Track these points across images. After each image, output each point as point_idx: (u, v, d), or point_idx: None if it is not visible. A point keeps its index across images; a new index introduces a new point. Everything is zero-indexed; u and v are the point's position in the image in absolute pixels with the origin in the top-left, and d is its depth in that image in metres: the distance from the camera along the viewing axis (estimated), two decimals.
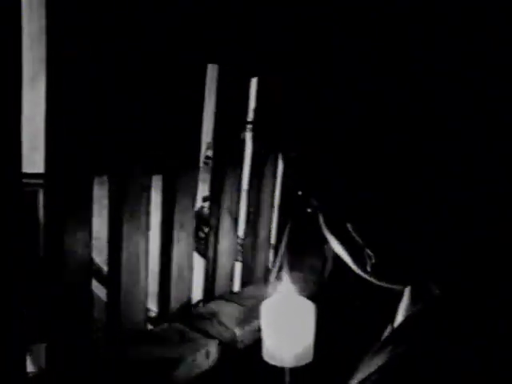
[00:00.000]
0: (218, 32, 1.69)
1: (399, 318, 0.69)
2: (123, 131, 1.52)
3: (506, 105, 0.51)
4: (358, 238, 0.60)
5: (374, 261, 0.60)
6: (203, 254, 2.01)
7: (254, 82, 1.96)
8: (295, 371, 1.47)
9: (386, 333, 0.73)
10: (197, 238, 1.98)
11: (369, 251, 0.60)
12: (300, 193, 0.65)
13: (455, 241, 0.56)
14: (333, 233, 0.63)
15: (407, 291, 0.68)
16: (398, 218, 0.56)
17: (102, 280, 1.71)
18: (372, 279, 0.63)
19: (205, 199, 2.09)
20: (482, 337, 0.52)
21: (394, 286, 0.64)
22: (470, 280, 0.57)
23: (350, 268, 0.65)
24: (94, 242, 1.49)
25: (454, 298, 0.57)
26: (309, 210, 0.65)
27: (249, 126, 2.02)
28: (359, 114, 0.56)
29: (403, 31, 0.53)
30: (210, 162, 2.00)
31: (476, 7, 0.51)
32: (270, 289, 1.73)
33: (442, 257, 0.57)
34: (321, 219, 0.64)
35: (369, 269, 0.61)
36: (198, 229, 1.98)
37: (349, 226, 0.60)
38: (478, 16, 0.51)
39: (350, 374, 0.66)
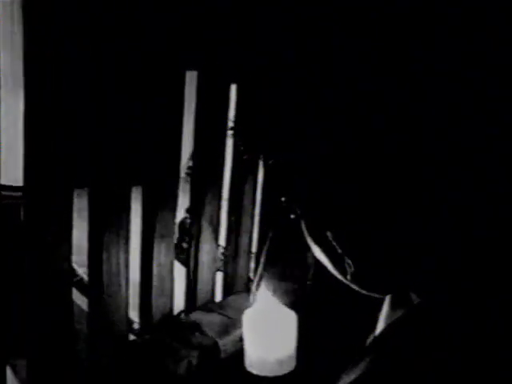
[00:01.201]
0: (197, 36, 1.69)
1: (380, 326, 0.70)
2: (101, 143, 1.51)
3: (506, 105, 0.51)
4: (337, 247, 0.60)
5: (353, 269, 0.60)
6: (186, 265, 2.01)
7: (233, 88, 1.96)
8: (277, 380, 1.47)
9: (369, 340, 0.73)
10: (180, 249, 1.97)
11: (348, 260, 0.60)
12: (283, 199, 0.65)
13: (453, 237, 0.55)
14: (315, 240, 0.64)
15: (387, 299, 0.68)
16: (378, 227, 0.57)
17: (84, 290, 1.69)
18: (354, 286, 0.63)
19: (188, 210, 2.08)
20: (465, 343, 0.52)
21: (375, 294, 0.65)
22: (467, 276, 0.56)
23: (332, 275, 0.65)
24: (74, 253, 1.48)
25: (433, 305, 0.57)
26: (292, 217, 0.65)
27: (229, 133, 2.02)
28: (356, 109, 0.56)
29: (403, 31, 0.53)
30: (185, 172, 2.00)
31: (476, 7, 0.51)
32: (251, 298, 1.73)
33: (423, 265, 0.57)
34: (303, 226, 0.65)
35: (349, 277, 0.62)
36: (181, 240, 1.97)
37: (328, 234, 0.60)
38: (477, 16, 0.51)
39: (333, 382, 0.66)
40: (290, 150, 0.63)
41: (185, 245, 2.00)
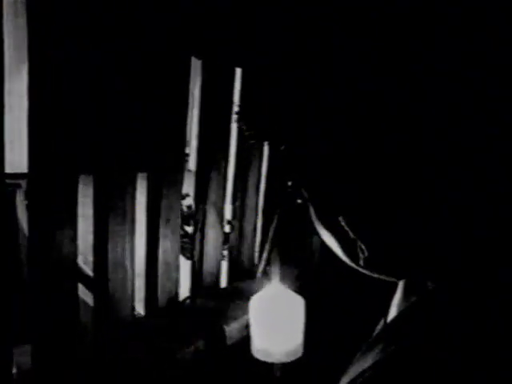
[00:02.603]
0: (202, 24, 1.67)
1: (392, 312, 0.69)
2: (106, 129, 1.50)
3: (506, 104, 0.51)
4: (350, 232, 0.59)
5: (366, 255, 0.59)
6: (188, 253, 2.00)
7: (238, 72, 1.94)
8: (285, 367, 1.46)
9: (379, 327, 0.72)
10: (184, 234, 1.96)
11: (361, 245, 0.59)
12: (289, 183, 0.64)
13: (453, 237, 0.55)
14: (324, 225, 0.62)
15: (401, 285, 0.67)
16: (393, 212, 0.56)
17: (88, 285, 1.69)
18: (365, 271, 0.62)
19: (183, 197, 2.07)
20: (477, 332, 0.51)
21: (388, 279, 0.63)
22: (467, 276, 0.56)
23: (340, 260, 0.64)
24: (79, 245, 1.47)
25: (447, 292, 0.56)
26: (299, 202, 0.64)
27: (234, 117, 2.00)
28: (356, 109, 0.55)
29: (403, 31, 0.53)
30: (187, 159, 1.99)
31: (476, 7, 0.50)
32: (257, 284, 1.72)
33: (438, 252, 0.56)
34: (311, 211, 0.63)
35: (361, 263, 0.60)
36: (187, 220, 1.96)
37: (341, 219, 0.59)
38: (478, 16, 0.50)
39: (342, 370, 0.65)
40: (300, 135, 0.62)
41: (189, 229, 1.99)
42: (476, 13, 0.50)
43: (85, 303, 1.60)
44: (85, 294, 1.63)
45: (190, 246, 1.97)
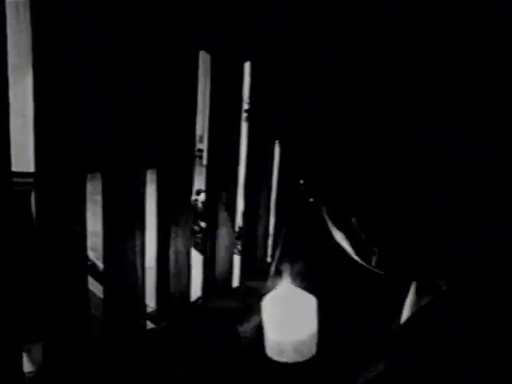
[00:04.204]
0: (209, 17, 1.65)
1: (405, 313, 0.67)
2: (114, 125, 1.48)
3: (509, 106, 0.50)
4: (362, 234, 0.58)
5: (378, 256, 0.59)
6: (200, 249, 1.98)
7: (247, 66, 1.91)
8: (299, 366, 1.44)
9: (393, 328, 0.70)
10: (197, 234, 1.94)
11: (374, 247, 0.58)
12: (301, 182, 0.63)
13: (465, 239, 0.55)
14: (336, 226, 0.62)
15: (413, 286, 0.66)
16: (406, 215, 0.55)
17: (98, 276, 1.68)
18: (378, 271, 0.61)
19: (198, 192, 2.05)
20: (492, 337, 0.51)
21: (399, 278, 0.64)
22: (479, 279, 0.55)
23: (353, 259, 0.63)
24: (88, 239, 1.46)
25: (462, 294, 0.56)
26: (310, 200, 0.63)
27: (244, 115, 1.98)
28: (366, 102, 0.54)
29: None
30: (201, 154, 1.96)
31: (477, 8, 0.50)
32: (270, 283, 1.70)
33: (452, 254, 0.56)
34: (324, 211, 0.63)
35: (374, 263, 0.60)
36: (198, 219, 1.94)
37: (353, 220, 0.58)
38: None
39: (357, 371, 0.64)
40: (312, 134, 0.61)
41: (196, 228, 1.97)
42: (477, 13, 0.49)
43: (96, 298, 1.59)
44: (97, 289, 1.63)
45: (203, 242, 1.95)
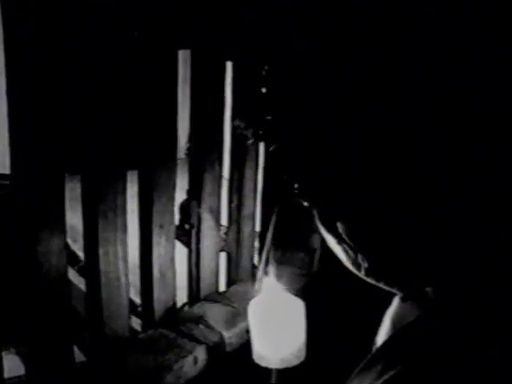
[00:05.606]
0: (189, 15, 1.61)
1: (386, 321, 0.65)
2: (92, 126, 1.44)
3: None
4: (348, 241, 0.57)
5: (366, 265, 0.57)
6: (188, 246, 1.94)
7: (229, 66, 1.87)
8: (286, 372, 1.41)
9: (379, 337, 0.68)
10: (182, 231, 1.90)
11: (361, 255, 0.57)
12: (296, 186, 0.61)
13: (465, 239, 0.52)
14: (327, 231, 0.59)
15: (398, 296, 0.64)
16: (394, 220, 0.54)
17: (80, 268, 1.65)
18: (367, 279, 0.59)
19: (188, 193, 2.02)
20: (492, 337, 0.49)
21: (388, 288, 0.61)
22: (469, 286, 0.54)
23: (343, 266, 0.61)
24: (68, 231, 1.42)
25: (451, 304, 0.54)
26: (305, 205, 0.60)
27: (227, 115, 1.94)
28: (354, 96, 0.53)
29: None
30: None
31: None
32: (257, 286, 1.67)
33: (441, 262, 0.54)
34: (315, 216, 0.60)
35: (363, 272, 0.58)
36: (183, 221, 1.90)
37: (339, 225, 0.56)
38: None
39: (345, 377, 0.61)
40: (297, 133, 0.59)
41: (187, 226, 1.93)
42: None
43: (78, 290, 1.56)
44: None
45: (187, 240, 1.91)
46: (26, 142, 1.28)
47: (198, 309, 1.87)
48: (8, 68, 1.23)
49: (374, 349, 0.66)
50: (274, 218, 2.16)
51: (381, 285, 0.59)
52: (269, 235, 2.15)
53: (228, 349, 1.71)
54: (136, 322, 1.82)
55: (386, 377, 0.50)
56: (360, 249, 0.56)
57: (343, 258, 0.59)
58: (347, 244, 0.57)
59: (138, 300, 1.84)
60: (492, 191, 0.50)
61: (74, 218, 1.55)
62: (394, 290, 0.61)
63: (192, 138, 1.84)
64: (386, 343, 0.60)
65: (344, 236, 0.56)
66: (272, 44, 0.64)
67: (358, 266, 0.58)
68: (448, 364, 0.48)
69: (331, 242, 0.60)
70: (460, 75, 0.49)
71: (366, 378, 0.53)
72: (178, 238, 1.85)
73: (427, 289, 0.57)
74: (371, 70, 0.51)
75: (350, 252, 0.57)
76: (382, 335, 0.64)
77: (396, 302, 0.64)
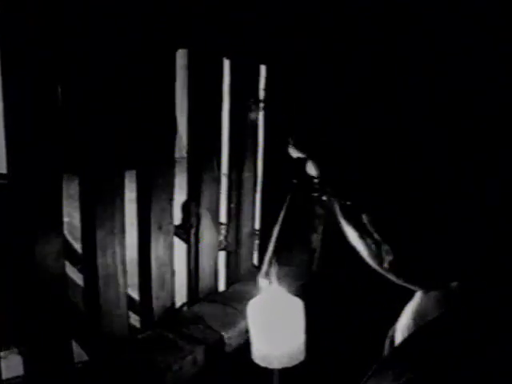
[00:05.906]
0: (189, 14, 1.61)
1: (404, 319, 0.64)
2: (92, 124, 1.43)
3: None
4: (374, 232, 0.55)
5: (391, 257, 0.56)
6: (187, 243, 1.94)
7: (226, 64, 1.87)
8: (286, 372, 1.41)
9: (390, 335, 0.67)
10: (184, 229, 1.89)
11: (386, 247, 0.55)
12: (316, 180, 0.60)
13: (465, 239, 0.52)
14: (350, 224, 0.58)
15: (418, 295, 0.63)
16: (422, 213, 0.52)
17: (76, 261, 1.64)
18: (390, 276, 0.59)
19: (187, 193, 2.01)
20: (492, 337, 0.49)
21: (413, 286, 0.60)
22: (479, 279, 0.53)
23: (364, 262, 0.60)
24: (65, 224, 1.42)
25: (480, 303, 0.53)
26: (324, 199, 0.60)
27: (225, 114, 1.94)
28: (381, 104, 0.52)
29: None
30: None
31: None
32: (256, 286, 1.67)
33: (469, 258, 0.53)
34: (336, 209, 0.59)
35: (385, 265, 0.57)
36: (182, 221, 1.90)
37: (364, 217, 0.55)
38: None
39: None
40: (324, 129, 0.58)
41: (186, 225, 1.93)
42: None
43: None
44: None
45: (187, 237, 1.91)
46: (25, 142, 1.27)
47: (197, 309, 1.86)
48: (4, 68, 1.22)
49: (387, 344, 0.65)
50: (282, 215, 2.14)
51: (400, 281, 0.58)
52: (275, 233, 2.15)
53: (227, 349, 1.71)
54: (135, 319, 1.81)
55: (409, 375, 0.50)
56: (386, 240, 0.55)
57: (364, 252, 0.59)
58: (371, 237, 0.56)
59: (136, 297, 1.83)
60: (492, 191, 0.49)
61: (76, 217, 1.55)
62: (413, 287, 0.60)
63: (190, 137, 1.83)
64: (407, 340, 0.59)
65: (369, 228, 0.55)
66: (272, 44, 0.64)
67: (381, 260, 0.57)
68: (469, 364, 0.47)
69: (352, 236, 0.59)
70: (460, 75, 0.49)
71: (386, 376, 0.53)
72: (177, 235, 1.84)
73: (452, 284, 0.56)
74: (371, 69, 0.52)
75: (372, 246, 0.57)
76: (403, 331, 0.63)
77: (418, 296, 0.63)
